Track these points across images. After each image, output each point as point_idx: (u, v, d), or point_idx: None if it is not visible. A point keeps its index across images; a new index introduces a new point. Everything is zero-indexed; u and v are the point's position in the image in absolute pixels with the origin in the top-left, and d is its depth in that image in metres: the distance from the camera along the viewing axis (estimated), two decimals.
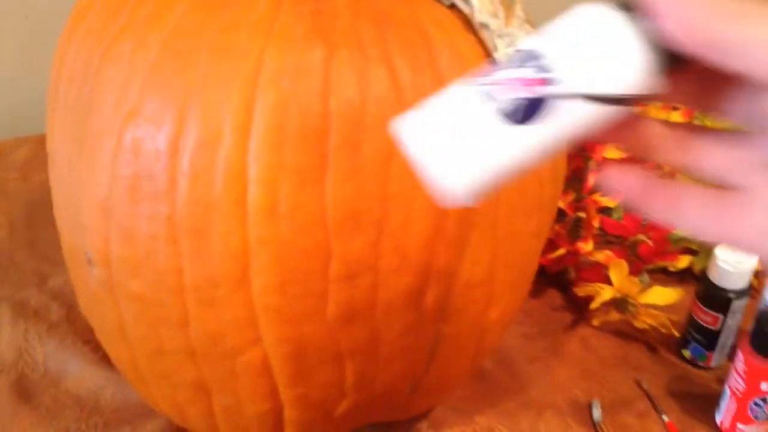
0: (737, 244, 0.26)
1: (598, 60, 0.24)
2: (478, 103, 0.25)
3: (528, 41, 0.26)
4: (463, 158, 0.25)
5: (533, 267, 0.50)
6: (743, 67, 0.23)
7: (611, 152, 0.67)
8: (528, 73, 0.25)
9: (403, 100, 0.38)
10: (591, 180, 0.67)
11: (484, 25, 0.40)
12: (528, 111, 0.25)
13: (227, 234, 0.39)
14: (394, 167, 0.38)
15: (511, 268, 0.46)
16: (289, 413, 0.46)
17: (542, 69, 0.25)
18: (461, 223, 0.41)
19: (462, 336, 0.46)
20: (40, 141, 0.87)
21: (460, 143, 0.25)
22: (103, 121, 0.40)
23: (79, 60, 0.42)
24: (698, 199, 0.27)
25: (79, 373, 0.64)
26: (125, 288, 0.43)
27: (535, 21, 0.41)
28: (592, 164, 0.68)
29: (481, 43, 0.41)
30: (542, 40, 0.25)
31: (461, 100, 0.25)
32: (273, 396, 0.45)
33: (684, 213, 0.27)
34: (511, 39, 0.40)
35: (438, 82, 0.39)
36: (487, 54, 0.41)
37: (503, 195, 0.43)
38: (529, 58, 0.25)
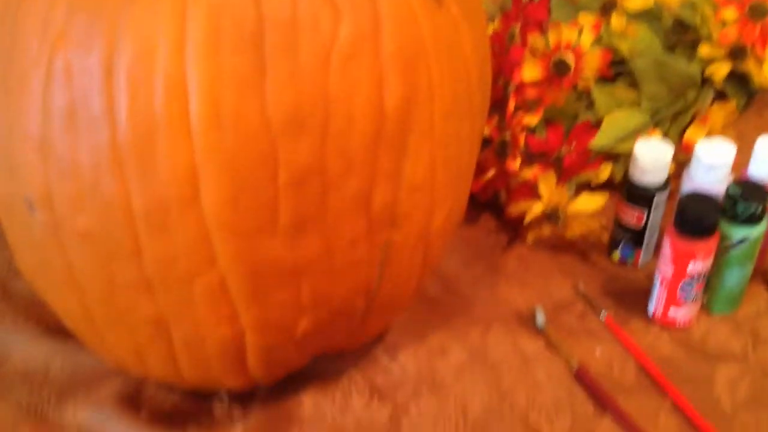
0: None
1: None
2: None
3: None
4: None
5: (470, 173, 0.52)
6: None
7: (529, 74, 0.70)
8: None
9: (333, 1, 0.39)
10: (512, 104, 0.70)
11: None
12: None
13: (173, 151, 0.39)
14: (331, 69, 0.39)
15: (449, 171, 0.47)
16: (251, 338, 0.47)
17: None
18: (400, 124, 0.42)
19: (409, 243, 0.48)
20: None
21: None
22: (29, 55, 0.39)
23: None
24: None
25: (23, 349, 0.62)
26: (71, 226, 0.42)
27: None
28: (511, 88, 0.70)
29: None
30: None
31: None
32: (233, 321, 0.45)
33: None
34: None
35: None
36: None
37: (437, 98, 0.44)
38: None
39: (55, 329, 0.63)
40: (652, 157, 0.61)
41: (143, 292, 0.44)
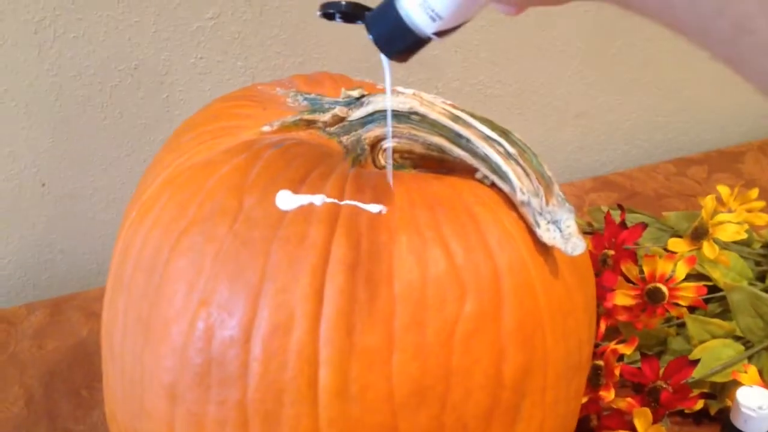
0: None
1: None
2: None
3: None
4: None
5: (574, 421, 0.52)
6: None
7: (621, 299, 0.70)
8: None
9: (460, 279, 0.41)
10: (602, 326, 0.70)
11: (525, 203, 0.44)
12: None
13: (298, 416, 0.40)
14: (455, 344, 0.41)
15: (557, 428, 0.47)
16: None
17: None
18: (515, 392, 0.43)
19: None
20: (52, 306, 0.87)
21: None
22: (173, 310, 0.42)
23: (146, 250, 0.44)
24: None
25: None
26: None
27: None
28: (602, 310, 0.71)
29: (523, 218, 0.45)
30: None
31: None
32: None
33: None
34: (551, 216, 0.44)
35: (489, 258, 0.42)
36: (529, 229, 0.44)
37: (551, 364, 0.45)
38: None
39: None
40: (756, 405, 0.60)
41: None
